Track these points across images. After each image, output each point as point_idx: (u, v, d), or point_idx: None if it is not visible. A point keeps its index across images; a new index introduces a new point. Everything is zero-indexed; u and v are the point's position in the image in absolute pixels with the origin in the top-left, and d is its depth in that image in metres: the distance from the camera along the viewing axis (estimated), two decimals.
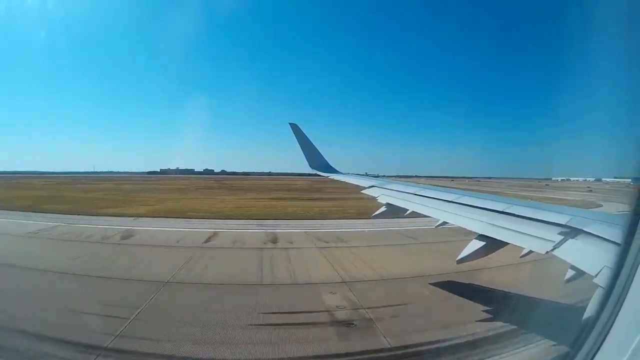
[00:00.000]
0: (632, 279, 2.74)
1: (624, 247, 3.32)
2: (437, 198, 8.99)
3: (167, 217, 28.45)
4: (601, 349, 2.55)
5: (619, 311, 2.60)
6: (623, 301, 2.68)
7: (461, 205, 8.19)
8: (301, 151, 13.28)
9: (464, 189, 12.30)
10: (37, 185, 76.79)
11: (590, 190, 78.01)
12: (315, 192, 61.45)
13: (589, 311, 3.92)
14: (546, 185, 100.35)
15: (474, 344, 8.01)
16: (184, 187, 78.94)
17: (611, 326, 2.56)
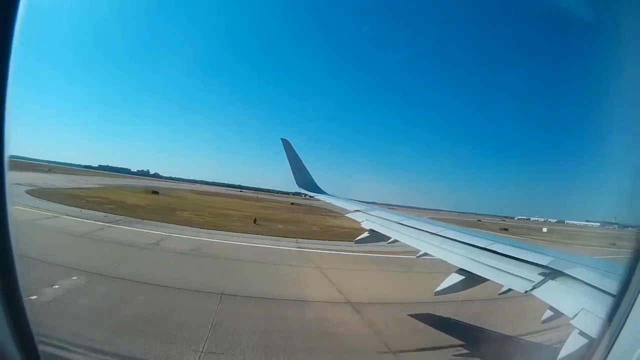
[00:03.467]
0: (622, 328, 2.74)
1: (618, 297, 3.34)
2: (420, 229, 8.96)
3: None
4: None
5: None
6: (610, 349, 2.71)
7: (444, 238, 8.18)
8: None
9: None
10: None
11: None
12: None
13: (564, 352, 3.91)
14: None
15: None
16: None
17: None
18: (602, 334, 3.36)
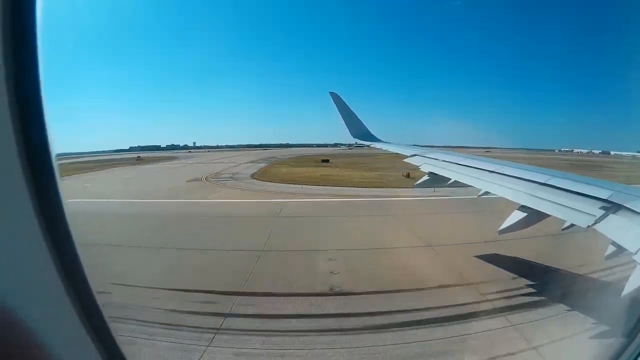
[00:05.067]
0: None
1: None
2: (479, 168, 9.25)
3: None
4: None
5: None
6: None
7: (503, 176, 8.42)
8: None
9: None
10: None
11: None
12: None
13: (628, 287, 4.27)
14: None
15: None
16: None
17: None
18: None
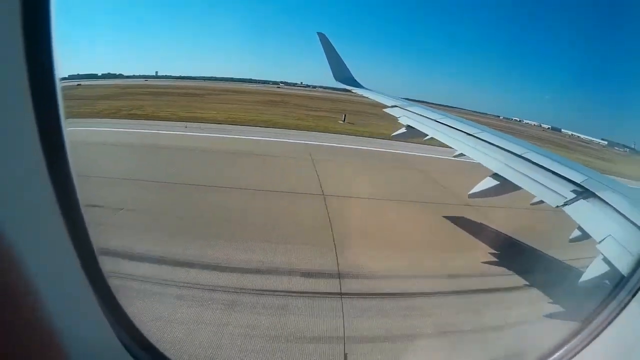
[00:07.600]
0: None
1: None
2: (458, 129, 9.23)
3: None
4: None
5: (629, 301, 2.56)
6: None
7: (481, 141, 8.47)
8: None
9: None
10: None
11: None
12: None
13: (586, 275, 4.54)
14: None
15: None
16: None
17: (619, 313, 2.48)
18: (626, 266, 3.96)
